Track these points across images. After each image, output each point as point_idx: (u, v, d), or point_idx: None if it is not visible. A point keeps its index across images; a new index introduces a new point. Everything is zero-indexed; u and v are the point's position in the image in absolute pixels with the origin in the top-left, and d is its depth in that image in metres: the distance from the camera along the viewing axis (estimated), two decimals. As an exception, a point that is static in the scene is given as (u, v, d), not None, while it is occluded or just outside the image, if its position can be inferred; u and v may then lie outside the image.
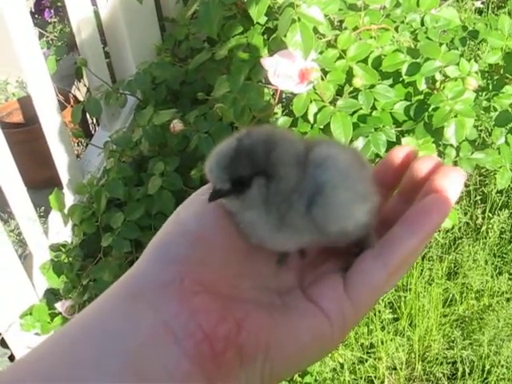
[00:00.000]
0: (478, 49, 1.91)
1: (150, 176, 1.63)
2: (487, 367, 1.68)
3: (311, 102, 1.36)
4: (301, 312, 0.41)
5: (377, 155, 1.40)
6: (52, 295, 1.84)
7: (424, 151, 1.40)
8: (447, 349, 1.77)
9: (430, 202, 0.42)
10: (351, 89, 1.44)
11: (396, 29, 1.54)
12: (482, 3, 2.41)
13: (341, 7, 1.47)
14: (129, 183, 1.67)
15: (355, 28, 1.46)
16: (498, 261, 1.87)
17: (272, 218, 0.42)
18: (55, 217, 1.84)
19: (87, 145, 2.07)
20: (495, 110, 1.55)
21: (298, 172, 0.42)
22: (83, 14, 1.70)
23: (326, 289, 0.42)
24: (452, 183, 0.44)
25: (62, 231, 1.85)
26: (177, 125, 1.39)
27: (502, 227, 1.85)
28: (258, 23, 1.50)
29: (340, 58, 1.42)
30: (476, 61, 1.60)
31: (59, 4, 2.08)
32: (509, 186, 1.78)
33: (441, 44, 1.52)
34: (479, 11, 2.61)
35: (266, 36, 1.54)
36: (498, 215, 1.83)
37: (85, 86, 2.19)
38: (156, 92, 1.70)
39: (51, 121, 1.70)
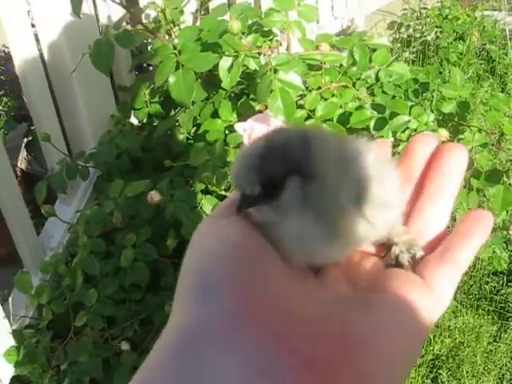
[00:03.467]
0: (425, 98, 2.01)
1: (121, 248, 1.59)
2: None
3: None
4: (392, 307, 0.38)
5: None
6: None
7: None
8: (428, 389, 1.80)
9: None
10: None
11: (353, 85, 1.61)
12: (411, 53, 2.56)
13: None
14: (98, 257, 1.62)
15: (318, 88, 1.51)
16: (463, 297, 1.94)
17: (323, 225, 0.37)
18: (17, 298, 1.75)
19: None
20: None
21: (338, 169, 0.38)
22: (38, 87, 1.66)
23: (408, 284, 0.39)
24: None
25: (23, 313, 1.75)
26: (154, 195, 1.37)
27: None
28: (221, 88, 1.52)
29: (308, 117, 1.46)
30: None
31: (2, 77, 2.03)
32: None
33: (394, 97, 1.60)
34: (406, 61, 2.77)
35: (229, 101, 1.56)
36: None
37: (34, 158, 2.12)
38: (119, 162, 1.67)
39: (9, 199, 1.63)
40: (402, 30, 2.62)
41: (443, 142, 1.36)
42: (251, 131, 1.36)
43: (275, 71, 1.22)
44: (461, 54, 2.37)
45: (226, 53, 1.32)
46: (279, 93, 1.19)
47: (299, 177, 0.36)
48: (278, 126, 1.33)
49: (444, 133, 1.33)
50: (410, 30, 2.56)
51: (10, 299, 1.77)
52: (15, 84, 2.04)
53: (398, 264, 0.42)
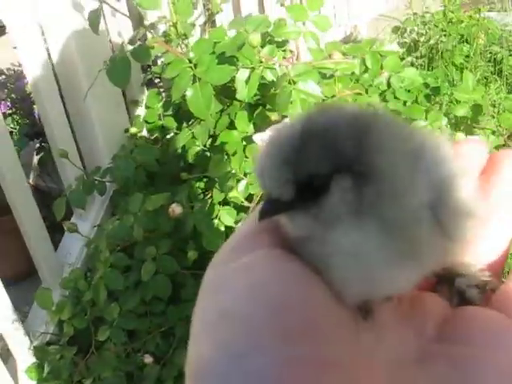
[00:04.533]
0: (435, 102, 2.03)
1: (141, 262, 1.59)
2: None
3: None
4: (493, 368, 0.28)
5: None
6: (41, 400, 1.73)
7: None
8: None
9: None
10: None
11: (366, 92, 1.62)
12: (417, 58, 2.57)
13: (315, 77, 1.53)
14: (119, 272, 1.62)
15: (332, 96, 1.52)
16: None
17: (390, 240, 0.27)
18: (36, 315, 1.76)
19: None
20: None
21: (407, 165, 0.27)
22: (53, 106, 1.67)
23: (500, 327, 0.30)
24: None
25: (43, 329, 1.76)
26: (176, 208, 1.38)
27: None
28: (236, 100, 1.53)
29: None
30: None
31: (13, 96, 2.04)
32: None
33: (405, 102, 1.61)
34: (411, 65, 2.79)
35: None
36: None
37: (47, 175, 2.13)
38: (136, 176, 1.68)
39: (28, 218, 1.64)
40: (406, 35, 2.63)
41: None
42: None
43: (294, 82, 1.23)
44: (466, 56, 2.39)
45: (243, 65, 1.33)
46: (300, 103, 1.21)
47: (351, 175, 0.26)
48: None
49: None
50: (414, 35, 2.58)
51: (29, 316, 1.78)
52: (26, 101, 2.05)
53: (464, 302, 0.33)
